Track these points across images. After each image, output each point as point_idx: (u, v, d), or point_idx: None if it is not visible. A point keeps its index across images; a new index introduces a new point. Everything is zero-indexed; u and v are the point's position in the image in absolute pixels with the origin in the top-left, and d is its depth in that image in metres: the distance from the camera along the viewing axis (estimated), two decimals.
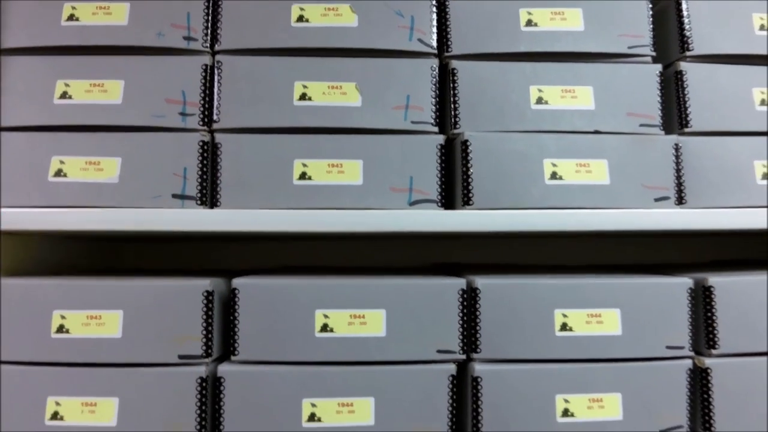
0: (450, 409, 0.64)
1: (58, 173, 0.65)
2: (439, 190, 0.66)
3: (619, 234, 0.75)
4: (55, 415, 0.63)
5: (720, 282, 0.67)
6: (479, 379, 0.64)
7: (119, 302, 0.64)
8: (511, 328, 0.65)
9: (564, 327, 0.65)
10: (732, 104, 0.70)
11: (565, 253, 1.03)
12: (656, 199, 0.67)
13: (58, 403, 0.63)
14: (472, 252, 1.01)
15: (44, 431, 0.62)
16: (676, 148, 0.68)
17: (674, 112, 0.70)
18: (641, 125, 0.69)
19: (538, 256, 1.03)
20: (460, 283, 0.65)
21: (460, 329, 0.65)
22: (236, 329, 0.64)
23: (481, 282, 0.65)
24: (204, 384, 0.63)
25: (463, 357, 0.65)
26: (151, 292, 0.64)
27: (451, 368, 0.64)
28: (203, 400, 0.63)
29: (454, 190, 0.69)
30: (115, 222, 0.62)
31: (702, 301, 0.68)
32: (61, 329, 0.64)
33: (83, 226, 0.61)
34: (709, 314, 0.67)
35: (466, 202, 0.65)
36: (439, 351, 0.64)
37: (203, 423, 0.62)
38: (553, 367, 0.65)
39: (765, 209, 0.66)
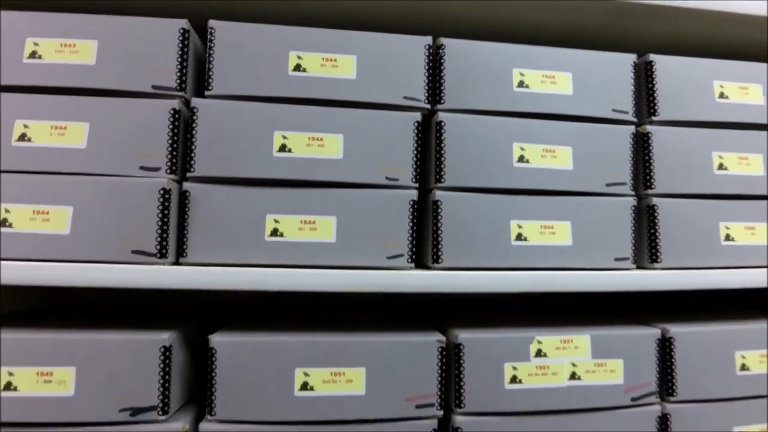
0: (415, 152, 0.67)
1: None
2: None
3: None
4: (22, 137, 0.62)
5: (661, 58, 0.74)
6: (442, 124, 0.68)
7: (94, 33, 0.65)
8: (472, 82, 0.69)
9: (521, 84, 0.70)
10: None
11: None
12: None
13: (26, 126, 0.63)
14: None
15: (10, 153, 0.62)
16: None
17: None
18: None
19: None
20: (427, 39, 0.69)
21: (426, 81, 0.68)
22: (211, 66, 0.65)
23: (446, 39, 0.69)
24: (177, 116, 0.64)
25: (428, 107, 0.69)
26: (126, 25, 0.65)
27: (417, 115, 0.68)
28: (175, 131, 0.64)
29: None
30: None
31: (644, 74, 0.74)
32: (33, 55, 0.64)
33: None
34: (650, 85, 0.73)
35: None
36: (405, 97, 0.68)
37: (174, 153, 0.64)
38: (511, 120, 0.70)
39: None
